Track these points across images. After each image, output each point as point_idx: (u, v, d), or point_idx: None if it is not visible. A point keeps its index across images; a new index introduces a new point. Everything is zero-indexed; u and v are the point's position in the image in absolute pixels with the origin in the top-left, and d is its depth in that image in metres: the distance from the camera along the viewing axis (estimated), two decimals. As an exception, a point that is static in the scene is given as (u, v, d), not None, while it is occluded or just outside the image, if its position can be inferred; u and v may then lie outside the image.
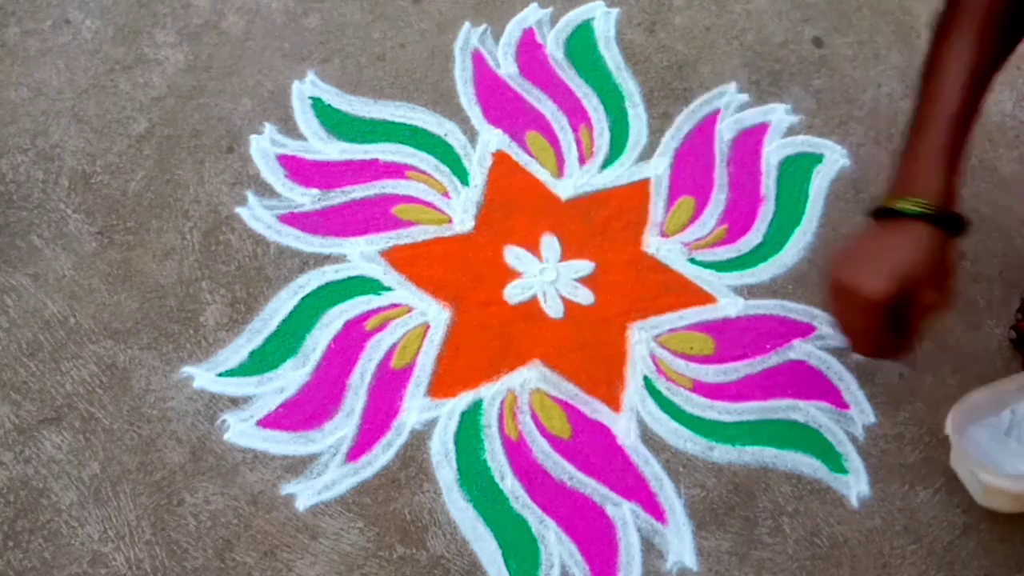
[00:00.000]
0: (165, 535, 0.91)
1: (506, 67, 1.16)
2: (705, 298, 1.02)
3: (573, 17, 1.19)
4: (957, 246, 0.72)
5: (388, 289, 1.03)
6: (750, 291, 1.02)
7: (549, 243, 1.05)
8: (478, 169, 1.10)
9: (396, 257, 1.05)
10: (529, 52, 1.17)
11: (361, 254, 1.05)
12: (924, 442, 0.95)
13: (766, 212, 1.07)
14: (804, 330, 1.00)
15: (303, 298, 1.02)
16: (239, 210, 1.07)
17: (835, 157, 1.10)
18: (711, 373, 0.98)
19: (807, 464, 0.94)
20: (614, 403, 0.97)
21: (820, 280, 0.91)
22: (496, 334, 1.00)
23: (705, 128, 1.12)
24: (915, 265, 0.70)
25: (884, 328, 0.71)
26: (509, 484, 0.93)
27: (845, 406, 0.97)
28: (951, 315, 1.00)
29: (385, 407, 0.97)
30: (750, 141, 1.11)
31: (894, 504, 0.92)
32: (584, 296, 1.02)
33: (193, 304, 1.02)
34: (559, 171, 1.09)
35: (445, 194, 1.08)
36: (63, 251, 1.05)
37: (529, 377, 0.98)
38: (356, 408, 0.97)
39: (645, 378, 0.98)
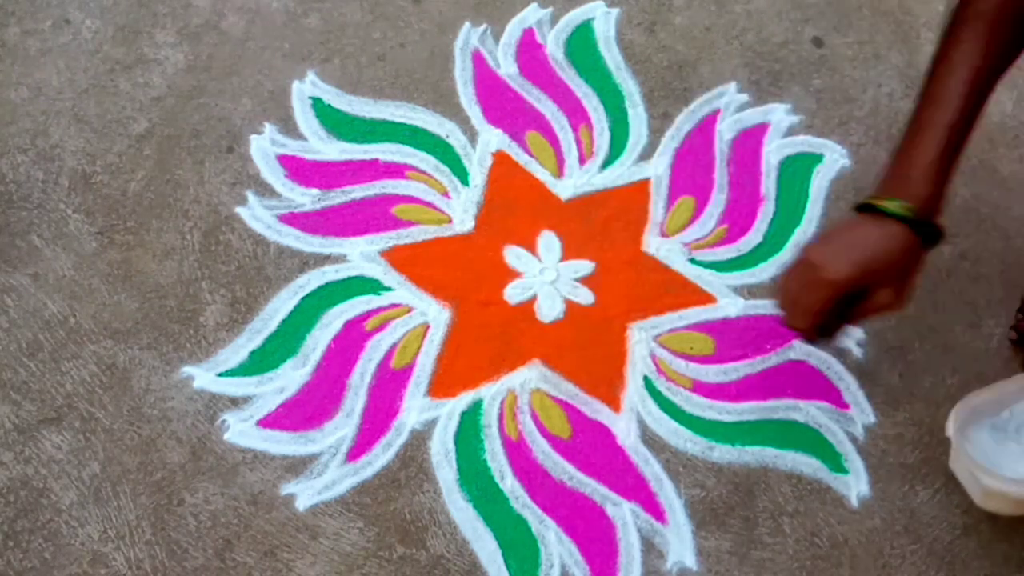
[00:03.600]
0: (165, 535, 0.91)
1: (506, 67, 1.16)
2: (705, 298, 1.02)
3: (573, 17, 1.19)
4: (925, 257, 0.73)
5: (388, 289, 1.03)
6: (750, 291, 1.02)
7: (549, 243, 1.05)
8: (478, 169, 1.09)
9: (396, 257, 1.05)
10: (529, 52, 1.17)
11: (361, 254, 1.05)
12: (924, 442, 0.95)
13: (766, 212, 1.07)
14: (804, 330, 1.00)
15: (303, 298, 1.02)
16: (239, 210, 1.07)
17: (835, 157, 1.10)
18: (711, 373, 0.98)
19: (807, 464, 0.94)
20: (614, 403, 0.97)
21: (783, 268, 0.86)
22: (496, 334, 1.00)
23: (705, 128, 1.12)
24: (882, 260, 0.71)
25: (829, 310, 0.72)
26: (509, 484, 0.93)
27: (845, 406, 0.97)
28: (950, 315, 1.00)
29: (385, 407, 0.97)
30: (750, 141, 1.11)
31: (894, 504, 0.92)
32: (584, 296, 1.02)
33: (193, 304, 1.02)
34: (559, 171, 1.09)
35: (445, 194, 1.08)
36: (63, 251, 1.05)
37: (529, 377, 0.98)
38: (356, 408, 0.97)
39: (645, 378, 0.98)
